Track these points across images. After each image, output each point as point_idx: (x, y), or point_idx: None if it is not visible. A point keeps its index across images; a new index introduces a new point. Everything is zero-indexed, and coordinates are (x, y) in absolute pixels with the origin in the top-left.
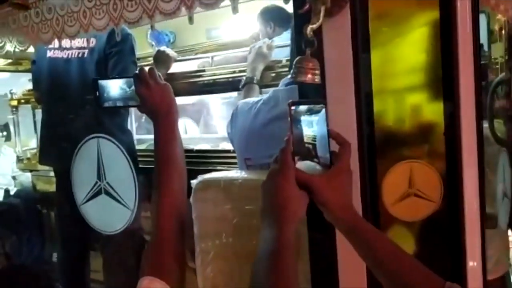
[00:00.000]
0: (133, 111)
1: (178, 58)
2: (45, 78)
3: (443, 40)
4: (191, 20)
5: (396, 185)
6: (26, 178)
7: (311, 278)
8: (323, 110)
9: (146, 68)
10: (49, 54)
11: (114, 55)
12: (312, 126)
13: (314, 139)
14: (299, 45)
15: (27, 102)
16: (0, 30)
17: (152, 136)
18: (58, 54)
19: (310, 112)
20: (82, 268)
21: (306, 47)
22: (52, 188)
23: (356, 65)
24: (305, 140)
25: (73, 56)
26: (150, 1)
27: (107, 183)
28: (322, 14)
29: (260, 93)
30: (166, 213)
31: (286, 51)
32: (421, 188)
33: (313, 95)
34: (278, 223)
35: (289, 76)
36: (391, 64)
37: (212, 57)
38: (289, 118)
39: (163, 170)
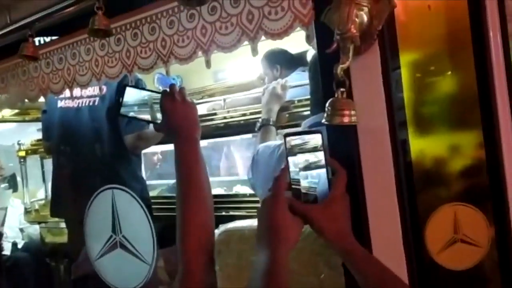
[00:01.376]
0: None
1: None
2: (56, 128)
3: (478, 74)
4: (208, 63)
5: (441, 231)
6: (34, 230)
7: None
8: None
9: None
10: (60, 104)
11: None
12: (307, 178)
13: (308, 189)
14: (326, 86)
15: (34, 152)
16: (10, 81)
17: (164, 181)
18: (69, 103)
19: (309, 167)
20: None
21: (338, 87)
22: (62, 240)
23: (390, 104)
24: (301, 186)
25: (84, 104)
26: (164, 47)
27: (123, 236)
28: (351, 52)
29: (277, 134)
30: (192, 243)
31: (296, 91)
32: (467, 233)
33: (344, 138)
34: (271, 249)
35: (312, 117)
36: (427, 104)
37: (225, 100)
38: (285, 149)
39: (187, 196)
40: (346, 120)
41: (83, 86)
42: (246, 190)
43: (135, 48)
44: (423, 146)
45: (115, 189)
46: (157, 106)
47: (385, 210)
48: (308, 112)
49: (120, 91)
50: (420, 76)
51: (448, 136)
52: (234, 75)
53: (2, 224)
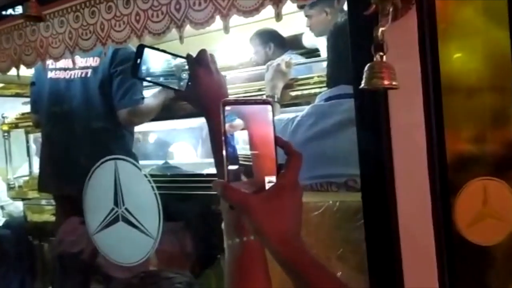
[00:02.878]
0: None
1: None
2: (46, 100)
3: None
4: (181, 39)
5: (470, 206)
6: (15, 207)
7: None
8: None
9: None
10: (50, 75)
11: (119, 74)
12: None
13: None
14: (356, 53)
15: (17, 126)
16: (4, 45)
17: (153, 162)
18: (60, 74)
19: None
20: None
21: (376, 51)
22: (45, 217)
23: (424, 73)
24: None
25: (76, 76)
26: (179, 11)
27: (126, 209)
28: (391, 13)
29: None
30: None
31: (298, 70)
32: (497, 208)
33: (372, 105)
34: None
35: (326, 90)
36: (463, 72)
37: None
38: (221, 118)
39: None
40: (386, 82)
41: (87, 50)
42: None
43: (145, 12)
44: (458, 119)
45: (118, 160)
46: (181, 72)
47: (415, 185)
48: (312, 91)
49: (138, 51)
50: (458, 45)
51: (481, 110)
52: (225, 56)
53: None
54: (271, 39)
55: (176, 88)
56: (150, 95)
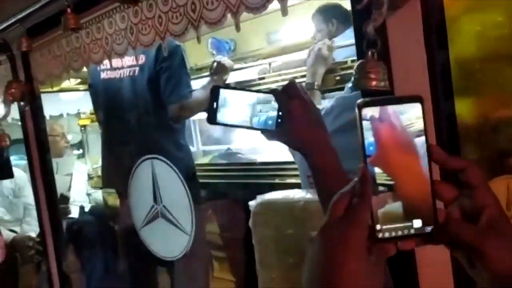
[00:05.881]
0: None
1: (235, 67)
2: (102, 100)
3: None
4: (237, 27)
5: None
6: (99, 195)
7: None
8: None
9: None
10: (103, 75)
11: (165, 70)
12: None
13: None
14: (359, 47)
15: (93, 121)
16: (56, 53)
17: (219, 147)
18: (111, 74)
19: None
20: (150, 279)
21: (368, 48)
22: None
23: (432, 64)
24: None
25: (125, 75)
26: (194, 11)
27: (164, 206)
28: (385, 7)
29: (323, 98)
30: None
31: (351, 51)
32: None
33: None
34: None
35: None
36: (475, 60)
37: (270, 64)
38: (358, 128)
39: None
40: (373, 83)
41: (121, 55)
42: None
43: (166, 14)
44: (470, 113)
45: (154, 159)
46: (267, 109)
47: None
48: None
49: (213, 94)
50: (469, 30)
51: (500, 104)
52: (288, 36)
53: (69, 189)
54: (334, 15)
55: (265, 128)
56: (199, 88)
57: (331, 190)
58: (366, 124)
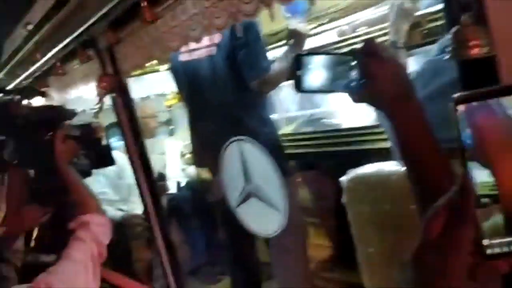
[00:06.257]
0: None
1: (312, 29)
2: (183, 82)
3: None
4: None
5: None
6: (193, 169)
7: None
8: None
9: None
10: (181, 58)
11: (243, 46)
12: None
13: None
14: (450, 11)
15: (180, 100)
16: (138, 44)
17: (302, 112)
18: (189, 56)
19: None
20: (248, 251)
21: (463, 11)
22: None
23: None
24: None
25: (203, 55)
26: None
27: (255, 186)
28: None
29: (410, 56)
30: None
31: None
32: None
33: (483, 75)
34: None
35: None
36: None
37: (349, 23)
38: (455, 123)
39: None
40: (473, 52)
41: (197, 41)
42: None
43: None
44: None
45: (240, 141)
46: (348, 71)
47: None
48: None
49: (296, 62)
50: None
51: None
52: None
53: (164, 167)
54: None
55: (350, 90)
56: (277, 59)
57: (419, 161)
58: (463, 117)
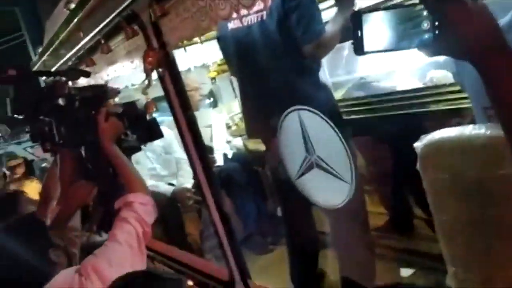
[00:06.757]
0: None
1: None
2: (232, 52)
3: None
4: None
5: None
6: (239, 141)
7: None
8: None
9: None
10: (230, 26)
11: (295, 9)
12: None
13: None
14: None
15: (223, 71)
16: (184, 15)
17: (349, 77)
18: (239, 24)
19: None
20: (307, 221)
21: None
22: (263, 148)
23: None
24: None
25: (253, 21)
26: None
27: (318, 156)
28: None
29: None
30: None
31: None
32: None
33: None
34: None
35: None
36: None
37: None
38: None
39: None
40: None
41: (248, 7)
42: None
43: None
44: None
45: (300, 111)
46: (419, 23)
47: None
48: None
49: (354, 22)
50: None
51: None
52: None
53: (211, 140)
54: None
55: (423, 44)
56: (329, 21)
57: None
58: None
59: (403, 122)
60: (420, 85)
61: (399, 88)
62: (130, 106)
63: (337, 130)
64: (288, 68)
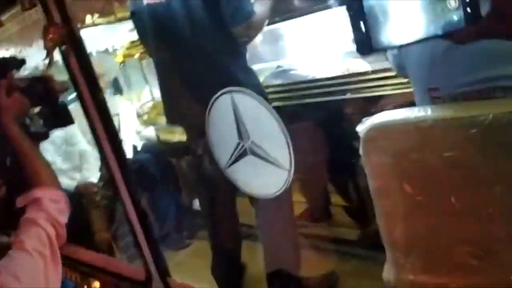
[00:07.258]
0: None
1: None
2: (149, 29)
3: None
4: None
5: None
6: (150, 131)
7: None
8: None
9: None
10: (146, 0)
11: None
12: None
13: None
14: None
15: (130, 55)
16: None
17: (266, 65)
18: None
19: None
20: (231, 212)
21: None
22: (177, 138)
23: None
24: None
25: None
26: None
27: (252, 142)
28: None
29: None
30: None
31: None
32: None
33: None
34: None
35: None
36: None
37: None
38: None
39: None
40: None
41: None
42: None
43: None
44: None
45: (234, 93)
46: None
47: None
48: None
49: (354, 13)
50: None
51: None
52: None
53: (119, 130)
54: None
55: (453, 29)
56: (257, 2)
57: None
58: None
59: (324, 109)
60: (338, 73)
61: (318, 77)
62: (37, 81)
63: (274, 114)
64: (215, 49)
